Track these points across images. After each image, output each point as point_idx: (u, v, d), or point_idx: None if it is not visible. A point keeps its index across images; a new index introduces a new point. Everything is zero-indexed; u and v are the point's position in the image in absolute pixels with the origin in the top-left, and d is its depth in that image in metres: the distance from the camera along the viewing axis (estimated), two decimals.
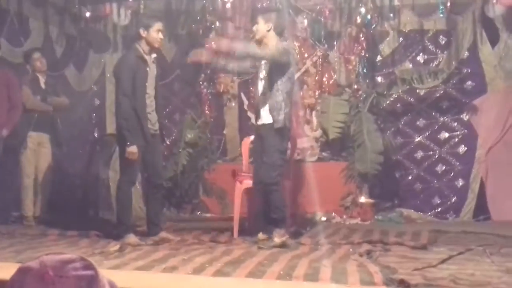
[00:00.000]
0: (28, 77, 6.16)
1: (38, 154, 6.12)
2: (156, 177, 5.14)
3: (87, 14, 7.33)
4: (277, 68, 4.76)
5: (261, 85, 4.91)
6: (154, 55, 5.08)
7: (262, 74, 4.90)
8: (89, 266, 1.30)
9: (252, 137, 5.32)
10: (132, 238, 4.85)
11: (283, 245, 4.61)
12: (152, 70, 5.04)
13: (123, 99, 4.85)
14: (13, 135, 6.10)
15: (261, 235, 4.90)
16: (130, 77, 4.85)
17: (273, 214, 4.79)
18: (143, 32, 4.94)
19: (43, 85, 6.18)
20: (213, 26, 7.18)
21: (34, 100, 6.05)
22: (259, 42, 4.99)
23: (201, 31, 7.22)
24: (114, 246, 4.50)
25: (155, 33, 4.96)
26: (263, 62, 4.91)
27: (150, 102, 5.01)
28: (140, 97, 4.89)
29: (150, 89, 5.01)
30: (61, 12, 7.35)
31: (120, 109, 4.87)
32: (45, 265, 1.27)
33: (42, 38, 6.99)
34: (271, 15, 4.94)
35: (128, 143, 4.83)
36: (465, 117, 6.91)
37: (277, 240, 4.65)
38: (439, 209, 6.82)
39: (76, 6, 7.32)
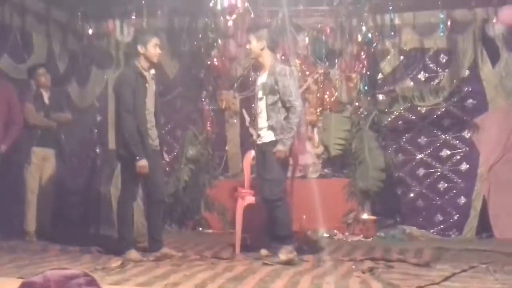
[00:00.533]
0: (32, 93, 6.18)
1: (42, 168, 6.11)
2: (157, 193, 5.13)
3: (90, 31, 7.37)
4: (274, 89, 4.80)
5: (259, 104, 4.93)
6: (153, 71, 5.11)
7: (260, 94, 4.92)
8: (92, 282, 1.30)
9: (253, 152, 5.32)
10: (133, 253, 4.83)
11: (289, 262, 4.59)
12: (151, 86, 5.06)
13: (126, 115, 4.86)
14: (17, 150, 6.11)
15: (263, 251, 4.89)
16: (130, 93, 4.87)
17: (279, 231, 4.79)
18: (141, 48, 4.97)
19: (46, 101, 6.19)
20: (215, 44, 7.22)
21: (37, 116, 6.06)
22: (256, 61, 5.05)
23: (203, 48, 7.27)
24: (115, 262, 4.48)
25: (153, 48, 4.97)
26: (260, 84, 4.94)
27: (150, 118, 5.02)
28: (140, 113, 4.91)
29: (150, 105, 5.02)
30: (64, 29, 7.40)
31: (125, 125, 4.88)
32: (48, 280, 1.27)
33: (45, 54, 7.01)
34: (263, 32, 4.94)
35: (138, 158, 4.83)
36: (466, 135, 6.93)
37: (283, 257, 4.64)
38: (441, 227, 6.81)
39: (79, 22, 7.37)
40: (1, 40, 6.34)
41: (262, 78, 4.94)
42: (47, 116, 6.13)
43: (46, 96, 6.20)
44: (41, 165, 6.10)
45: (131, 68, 5.06)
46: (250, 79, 7.30)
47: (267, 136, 4.85)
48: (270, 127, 4.82)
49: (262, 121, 4.90)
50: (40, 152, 6.08)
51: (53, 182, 6.24)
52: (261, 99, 4.92)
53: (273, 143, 4.78)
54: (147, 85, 4.99)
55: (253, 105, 7.09)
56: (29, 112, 6.01)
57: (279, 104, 4.80)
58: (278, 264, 4.54)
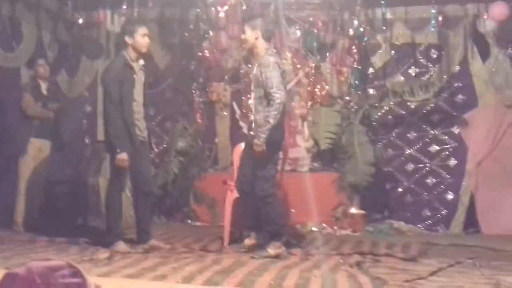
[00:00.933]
0: (30, 83, 6.18)
1: (36, 159, 6.07)
2: (144, 184, 5.12)
3: (80, 21, 7.30)
4: (260, 82, 4.75)
5: (252, 97, 4.91)
6: (141, 62, 5.07)
7: (252, 86, 4.90)
8: (76, 273, 1.29)
9: (243, 145, 5.31)
10: (121, 245, 4.82)
11: (277, 257, 4.60)
12: (139, 77, 5.03)
13: (110, 106, 4.84)
14: (14, 141, 6.08)
15: (247, 241, 4.90)
16: (117, 84, 4.84)
17: (269, 227, 4.80)
18: (128, 39, 4.94)
19: (44, 91, 6.16)
20: (206, 35, 7.17)
21: (35, 107, 6.03)
22: (250, 52, 5.02)
23: (194, 40, 7.22)
24: (103, 254, 4.47)
25: (141, 37, 4.94)
26: (252, 75, 4.92)
27: (139, 109, 5.00)
28: (127, 104, 4.88)
29: (138, 96, 4.99)
30: (54, 18, 7.33)
31: (109, 116, 4.87)
32: (32, 272, 1.25)
33: (34, 43, 6.95)
34: (257, 21, 4.88)
35: (118, 151, 4.81)
36: (455, 130, 6.95)
37: (271, 252, 4.65)
38: (429, 222, 6.83)
39: (70, 12, 7.30)
40: None
41: (254, 70, 4.91)
42: (45, 107, 6.09)
43: (44, 86, 6.16)
44: (37, 156, 6.07)
45: (119, 58, 5.02)
46: (241, 71, 7.28)
47: (253, 130, 4.83)
48: (255, 121, 4.79)
49: (252, 115, 4.88)
50: (37, 143, 6.05)
51: (46, 172, 6.20)
52: (252, 91, 4.90)
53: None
54: (135, 76, 4.96)
55: (243, 97, 7.11)
56: (27, 102, 5.99)
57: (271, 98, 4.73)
58: (267, 258, 4.55)
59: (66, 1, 7.21)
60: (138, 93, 4.99)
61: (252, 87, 4.90)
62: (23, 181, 6.01)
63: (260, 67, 4.76)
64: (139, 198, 5.17)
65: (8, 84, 6.25)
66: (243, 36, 4.94)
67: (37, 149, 6.07)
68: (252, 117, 4.89)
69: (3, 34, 6.52)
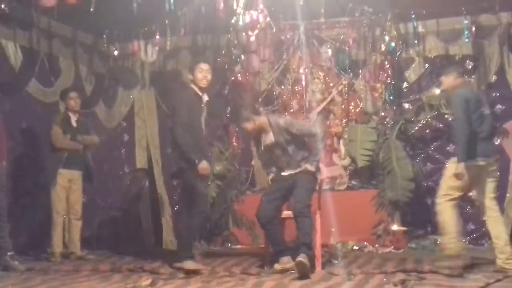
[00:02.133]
0: (60, 116, 6.28)
1: (68, 190, 6.15)
2: (201, 204, 5.28)
3: (115, 52, 7.48)
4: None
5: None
6: (206, 98, 5.31)
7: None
8: None
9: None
10: (190, 263, 5.00)
11: (283, 272, 4.76)
12: (204, 109, 5.29)
13: (180, 129, 5.09)
14: (44, 172, 6.20)
15: (277, 266, 4.94)
16: (187, 111, 5.10)
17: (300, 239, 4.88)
18: (190, 76, 5.30)
19: (74, 124, 6.26)
20: (238, 60, 7.26)
21: (64, 139, 6.11)
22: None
23: (226, 64, 7.32)
24: (146, 281, 4.50)
25: (199, 73, 5.22)
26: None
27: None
28: (197, 128, 5.18)
29: (203, 125, 5.30)
30: (90, 51, 7.53)
31: (179, 136, 5.08)
32: None
33: (72, 77, 7.14)
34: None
35: (197, 161, 5.05)
36: (496, 141, 6.79)
37: (278, 267, 4.84)
38: (474, 235, 6.68)
39: (105, 44, 7.50)
40: (29, 65, 6.48)
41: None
42: (74, 139, 6.18)
43: (73, 119, 6.27)
44: (67, 187, 6.14)
45: (189, 89, 5.28)
46: (274, 93, 7.32)
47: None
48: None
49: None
50: (67, 174, 6.12)
51: (82, 203, 6.30)
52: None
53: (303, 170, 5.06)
54: (202, 105, 5.25)
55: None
56: (56, 135, 6.08)
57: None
58: (274, 274, 4.75)
59: (101, 34, 7.40)
60: (203, 123, 5.28)
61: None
62: (56, 212, 6.06)
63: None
64: (193, 217, 5.20)
65: (48, 119, 6.39)
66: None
67: (67, 180, 6.13)
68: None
69: (42, 70, 6.71)
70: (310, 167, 5.02)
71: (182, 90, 5.62)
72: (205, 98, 5.30)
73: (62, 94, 6.42)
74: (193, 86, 5.24)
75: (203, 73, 5.21)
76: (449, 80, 4.94)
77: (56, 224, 6.06)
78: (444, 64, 6.97)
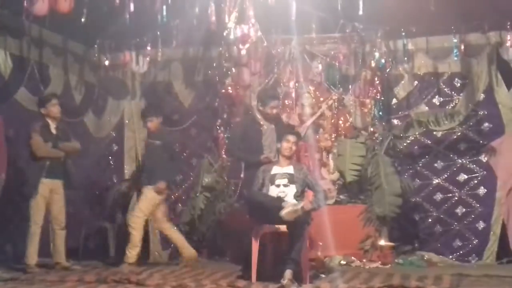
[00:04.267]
0: (39, 123, 6.01)
1: (49, 200, 5.97)
2: None
3: (106, 63, 7.47)
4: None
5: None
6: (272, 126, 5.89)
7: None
8: None
9: None
10: None
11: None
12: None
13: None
14: (25, 182, 6.06)
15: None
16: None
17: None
18: (260, 107, 5.92)
19: (53, 131, 6.05)
20: (229, 72, 7.29)
21: (45, 148, 5.91)
22: None
23: (217, 77, 7.34)
24: None
25: (269, 109, 5.84)
26: None
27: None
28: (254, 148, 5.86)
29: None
30: (80, 61, 7.53)
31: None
32: None
33: (61, 85, 7.12)
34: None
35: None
36: (483, 158, 6.86)
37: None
38: (460, 252, 6.71)
39: (96, 54, 7.49)
40: (19, 73, 6.45)
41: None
42: (55, 146, 5.98)
43: (53, 126, 6.05)
44: (48, 197, 5.95)
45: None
46: None
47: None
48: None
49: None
50: (48, 184, 5.93)
51: (69, 213, 6.18)
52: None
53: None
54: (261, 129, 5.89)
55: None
56: (37, 144, 5.87)
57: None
58: None
59: (92, 44, 7.40)
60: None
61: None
62: (33, 222, 5.85)
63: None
64: None
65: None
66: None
67: (49, 190, 5.95)
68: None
69: (32, 78, 6.67)
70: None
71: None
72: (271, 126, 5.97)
73: (41, 101, 6.12)
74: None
75: (273, 110, 5.88)
76: None
77: (33, 235, 5.83)
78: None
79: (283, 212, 4.81)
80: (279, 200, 5.05)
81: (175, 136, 7.43)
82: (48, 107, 6.02)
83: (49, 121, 6.04)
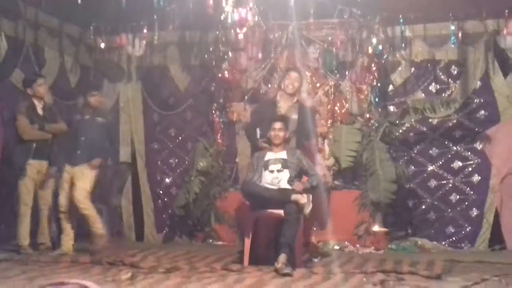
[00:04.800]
0: (25, 103, 5.87)
1: (36, 181, 5.93)
2: None
3: (102, 45, 7.43)
4: None
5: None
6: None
7: None
8: None
9: None
10: None
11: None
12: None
13: None
14: (12, 164, 5.96)
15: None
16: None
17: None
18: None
19: (40, 111, 5.95)
20: (225, 57, 7.26)
21: (31, 129, 5.83)
22: None
23: (213, 61, 7.31)
24: (126, 274, 4.48)
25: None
26: None
27: None
28: None
29: None
30: (76, 43, 7.49)
31: None
32: None
33: (57, 68, 7.08)
34: None
35: None
36: (478, 146, 6.88)
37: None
38: (453, 239, 6.75)
39: (91, 37, 7.45)
40: (14, 55, 6.40)
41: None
42: (42, 128, 5.90)
43: (39, 106, 5.95)
44: (36, 178, 5.91)
45: None
46: (261, 91, 7.33)
47: None
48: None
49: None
50: (36, 165, 5.88)
51: (54, 193, 6.10)
52: None
53: None
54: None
55: None
56: (23, 126, 5.79)
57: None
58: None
59: (88, 26, 7.36)
60: None
61: None
62: (23, 203, 5.82)
63: None
64: None
65: None
66: None
67: (36, 171, 5.89)
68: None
69: (27, 60, 6.63)
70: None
71: None
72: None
73: (27, 81, 5.99)
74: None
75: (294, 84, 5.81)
76: None
77: (23, 216, 5.81)
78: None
79: (306, 211, 4.99)
80: (277, 191, 5.13)
81: (170, 119, 7.45)
82: (35, 87, 5.90)
83: (36, 101, 5.93)
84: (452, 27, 6.80)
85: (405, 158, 7.08)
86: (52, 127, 5.98)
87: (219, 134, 7.24)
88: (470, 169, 6.87)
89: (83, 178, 5.84)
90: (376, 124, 6.94)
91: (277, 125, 5.40)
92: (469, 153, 6.89)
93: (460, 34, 6.80)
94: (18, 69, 6.48)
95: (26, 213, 5.84)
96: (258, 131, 5.86)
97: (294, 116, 5.77)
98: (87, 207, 5.82)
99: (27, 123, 5.81)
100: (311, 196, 5.14)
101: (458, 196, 6.86)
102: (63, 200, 5.87)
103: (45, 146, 5.93)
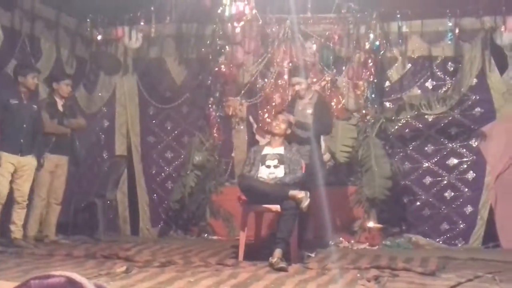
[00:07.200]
0: (45, 100, 6.15)
1: (53, 175, 6.07)
2: None
3: (99, 37, 7.40)
4: None
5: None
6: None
7: None
8: None
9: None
10: None
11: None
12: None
13: None
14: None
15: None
16: None
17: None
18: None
19: (60, 108, 6.15)
20: (222, 50, 7.24)
21: (51, 124, 5.99)
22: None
23: (210, 55, 7.29)
24: (120, 268, 4.48)
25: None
26: None
27: None
28: None
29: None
30: (73, 35, 7.45)
31: None
32: None
33: (53, 60, 7.05)
34: None
35: None
36: (473, 143, 6.89)
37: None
38: (447, 235, 6.78)
39: (88, 29, 7.42)
40: (10, 45, 6.37)
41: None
42: (61, 123, 6.08)
43: (60, 103, 6.16)
44: (53, 171, 6.05)
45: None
46: (257, 85, 7.32)
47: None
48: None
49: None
50: (53, 159, 6.02)
51: (65, 188, 6.23)
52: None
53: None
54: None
55: (259, 111, 7.15)
56: (43, 120, 5.93)
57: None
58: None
59: (85, 18, 7.32)
60: None
61: None
62: (37, 196, 5.97)
63: None
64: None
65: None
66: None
67: (54, 166, 6.04)
68: None
69: (23, 51, 6.60)
70: None
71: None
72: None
73: (51, 78, 6.25)
74: None
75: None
76: None
77: (36, 208, 5.96)
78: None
79: (304, 205, 4.94)
80: (275, 185, 5.13)
81: (167, 112, 7.44)
82: (61, 85, 6.14)
83: (57, 99, 6.15)
84: (449, 24, 6.80)
85: (401, 154, 7.09)
86: (71, 123, 6.18)
87: (215, 129, 7.23)
88: (465, 166, 6.89)
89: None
90: (372, 120, 6.95)
91: (280, 116, 5.43)
92: (464, 150, 6.91)
93: (457, 31, 6.80)
94: (14, 59, 6.44)
95: (38, 205, 5.98)
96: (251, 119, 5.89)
97: (309, 111, 5.85)
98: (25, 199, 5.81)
99: (47, 117, 5.99)
100: (308, 192, 5.13)
101: (452, 193, 6.88)
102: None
103: (64, 141, 6.11)
